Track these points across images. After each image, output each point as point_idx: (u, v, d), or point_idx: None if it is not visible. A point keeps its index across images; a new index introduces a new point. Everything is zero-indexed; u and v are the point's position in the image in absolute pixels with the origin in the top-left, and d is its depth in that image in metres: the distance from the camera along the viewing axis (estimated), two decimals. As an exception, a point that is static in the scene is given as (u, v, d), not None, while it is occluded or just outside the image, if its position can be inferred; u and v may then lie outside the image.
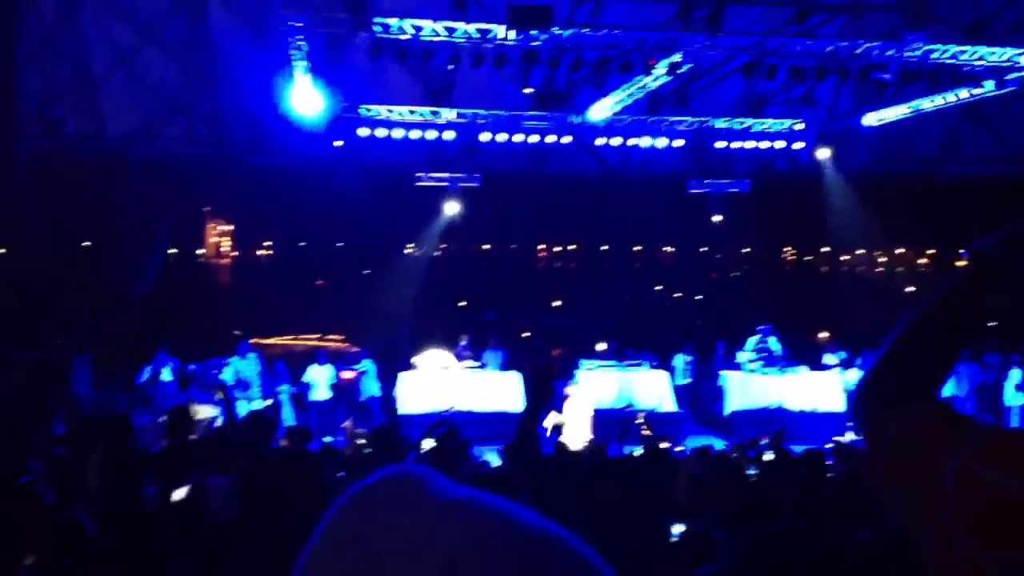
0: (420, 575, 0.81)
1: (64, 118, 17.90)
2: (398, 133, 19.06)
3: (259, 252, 26.25)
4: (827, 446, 12.45)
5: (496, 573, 0.81)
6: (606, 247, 25.45)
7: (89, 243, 21.46)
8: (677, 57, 14.58)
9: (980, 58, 14.44)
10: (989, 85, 15.09)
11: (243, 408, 16.70)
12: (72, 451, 8.93)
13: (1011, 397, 17.56)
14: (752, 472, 9.86)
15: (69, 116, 17.87)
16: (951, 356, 1.48)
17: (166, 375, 17.25)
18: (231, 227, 25.87)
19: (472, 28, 14.72)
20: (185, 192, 20.66)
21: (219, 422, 15.62)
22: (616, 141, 19.75)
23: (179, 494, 5.17)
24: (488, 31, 14.69)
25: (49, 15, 16.53)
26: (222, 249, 25.60)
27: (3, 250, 21.65)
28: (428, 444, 10.14)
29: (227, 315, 22.59)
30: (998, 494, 1.20)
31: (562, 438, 13.32)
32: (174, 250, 23.54)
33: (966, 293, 1.49)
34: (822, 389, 18.33)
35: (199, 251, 25.38)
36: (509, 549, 0.82)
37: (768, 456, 11.76)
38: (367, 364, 18.19)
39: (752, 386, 18.43)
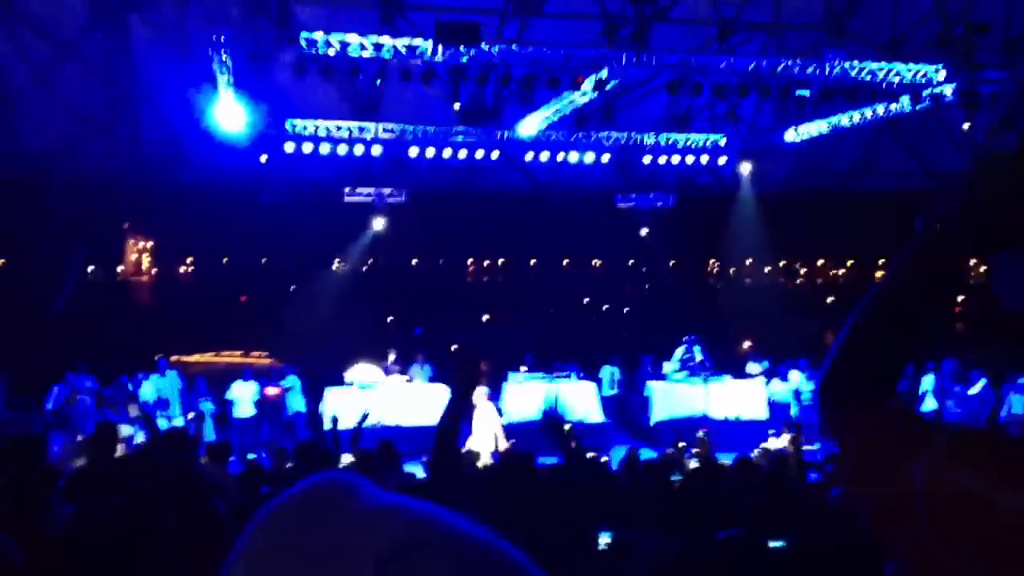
0: None
1: (-23, 135, 17.33)
2: (325, 148, 18.90)
3: (180, 269, 25.76)
4: (753, 453, 12.68)
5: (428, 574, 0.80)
6: (534, 261, 25.61)
7: (3, 261, 20.84)
8: (604, 73, 14.74)
9: (897, 74, 14.89)
10: (905, 101, 15.57)
11: (163, 426, 16.46)
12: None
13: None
14: (677, 479, 10.00)
15: (-18, 133, 17.31)
16: (910, 347, 1.44)
17: (84, 394, 16.83)
18: (151, 243, 25.35)
19: (400, 44, 14.66)
20: (105, 209, 20.19)
21: (139, 439, 15.34)
22: (544, 156, 19.88)
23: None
24: (415, 47, 14.64)
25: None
26: (142, 266, 25.07)
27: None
28: (347, 459, 10.07)
29: (147, 332, 22.13)
30: (969, 496, 1.19)
31: (470, 447, 13.39)
32: (92, 268, 22.98)
33: (920, 269, 1.47)
34: (745, 397, 18.67)
35: (118, 268, 24.81)
36: (440, 551, 0.82)
37: (694, 463, 11.97)
38: (292, 380, 18.00)
39: (677, 395, 18.69)
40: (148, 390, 17.20)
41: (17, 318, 19.94)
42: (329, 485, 0.89)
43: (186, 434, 9.48)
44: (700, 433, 13.78)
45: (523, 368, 19.08)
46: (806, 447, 16.69)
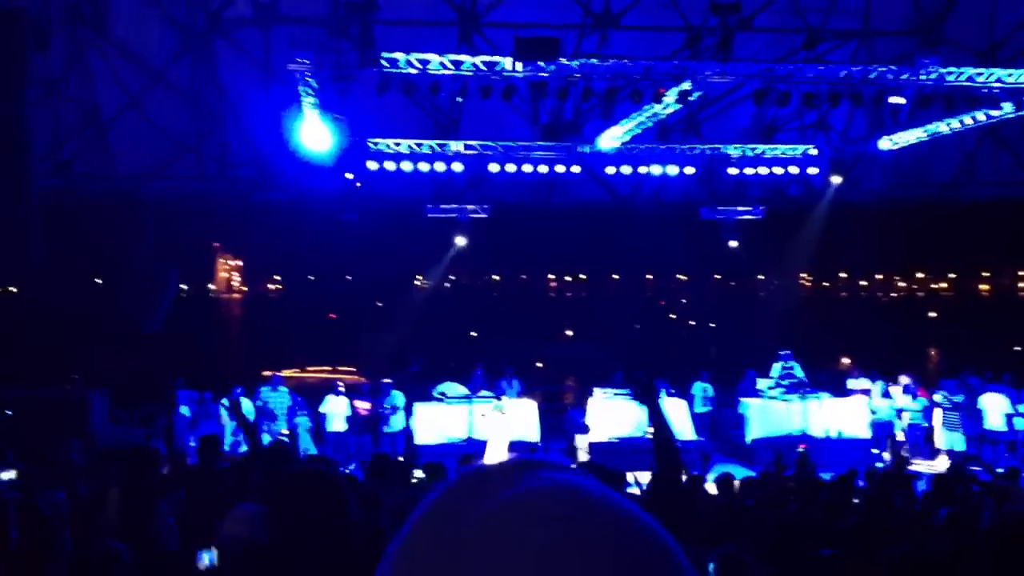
0: (513, 563, 0.77)
1: (74, 158, 17.94)
2: (407, 166, 18.99)
3: (269, 286, 26.22)
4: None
5: (593, 558, 0.78)
6: (617, 276, 25.29)
7: (101, 281, 21.45)
8: (687, 85, 14.45)
9: (997, 80, 14.24)
10: (1008, 107, 14.87)
11: (266, 439, 16.71)
12: (92, 483, 8.90)
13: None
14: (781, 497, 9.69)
15: (79, 156, 17.91)
16: None
17: (183, 409, 17.27)
18: (240, 262, 25.87)
19: (479, 61, 14.65)
20: (195, 229, 20.66)
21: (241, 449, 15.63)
22: (626, 169, 19.62)
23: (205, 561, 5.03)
24: (495, 63, 14.61)
25: (58, 58, 16.59)
26: (232, 284, 25.59)
27: (15, 289, 21.69)
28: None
29: (238, 349, 22.54)
30: None
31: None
32: (184, 286, 23.54)
33: None
34: (845, 415, 18.05)
35: (210, 286, 25.38)
36: (604, 532, 0.80)
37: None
38: (398, 397, 18.00)
39: (774, 413, 18.18)
40: (248, 405, 17.46)
41: (116, 335, 20.53)
42: (468, 478, 0.87)
43: (289, 448, 9.55)
44: (800, 448, 13.28)
45: (604, 390, 18.71)
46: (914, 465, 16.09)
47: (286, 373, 22.17)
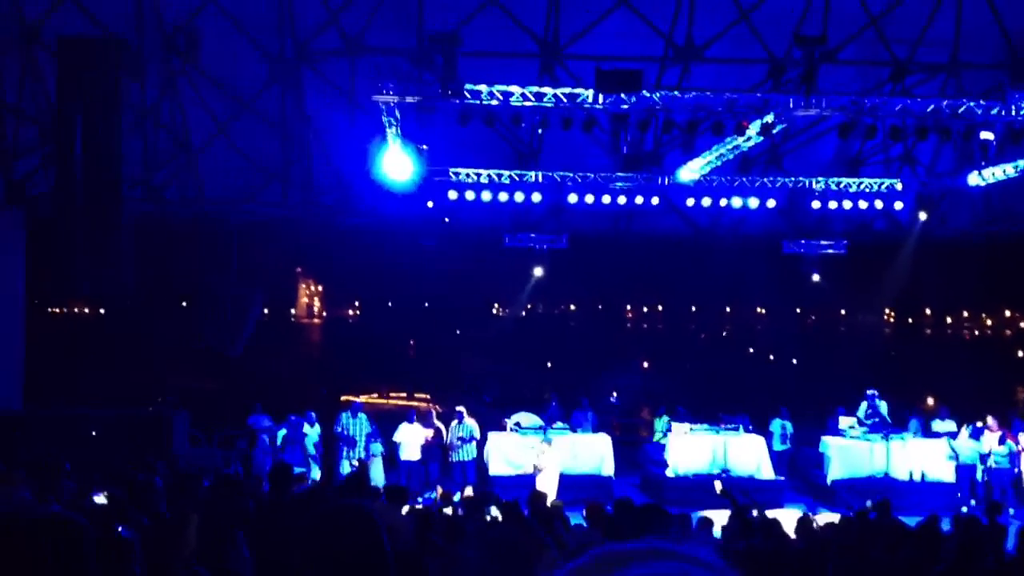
0: None
1: (165, 184, 18.50)
2: (486, 195, 19.13)
3: (348, 312, 26.58)
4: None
5: None
6: (694, 308, 25.07)
7: (187, 303, 22.04)
8: (770, 118, 14.32)
9: (1091, 114, 13.87)
10: (1101, 142, 14.46)
11: (345, 466, 16.89)
12: (172, 507, 9.05)
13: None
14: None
15: (170, 182, 18.47)
16: None
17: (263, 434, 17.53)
18: (320, 288, 26.29)
19: (560, 92, 14.76)
20: (278, 254, 21.11)
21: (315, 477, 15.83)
22: (706, 201, 19.49)
23: None
24: (576, 95, 14.69)
25: (152, 86, 17.18)
26: (314, 309, 26.04)
27: (104, 311, 22.46)
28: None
29: (318, 373, 22.87)
30: None
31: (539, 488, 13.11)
32: (267, 310, 24.04)
33: None
34: (929, 457, 17.54)
35: (292, 311, 25.85)
36: None
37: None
38: (468, 427, 17.97)
39: (855, 453, 17.77)
40: (313, 432, 17.69)
41: (198, 358, 21.03)
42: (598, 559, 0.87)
43: (361, 477, 9.64)
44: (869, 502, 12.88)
45: (682, 424, 18.49)
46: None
47: (362, 398, 22.43)
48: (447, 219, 19.00)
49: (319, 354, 24.85)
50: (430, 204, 19.18)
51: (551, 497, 13.11)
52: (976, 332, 25.35)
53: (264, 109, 17.61)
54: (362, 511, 2.63)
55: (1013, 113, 13.94)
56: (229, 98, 17.43)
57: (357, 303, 25.77)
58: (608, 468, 17.76)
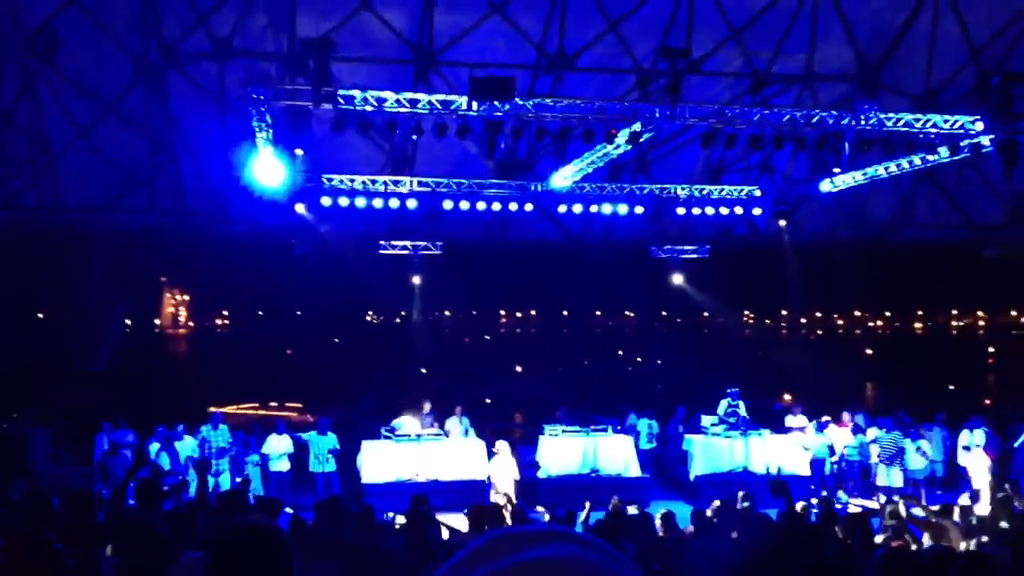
0: None
1: (22, 190, 17.69)
2: (360, 202, 19.06)
3: (216, 321, 25.93)
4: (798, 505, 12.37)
5: None
6: (567, 312, 25.58)
7: (44, 315, 21.12)
8: (637, 126, 14.81)
9: (933, 125, 14.84)
10: (944, 152, 15.48)
11: (211, 482, 16.50)
12: (29, 524, 8.71)
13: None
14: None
15: (27, 188, 17.67)
16: None
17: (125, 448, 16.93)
18: (187, 297, 25.56)
19: (435, 99, 14.86)
20: (143, 263, 20.47)
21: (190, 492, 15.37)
22: (578, 208, 19.94)
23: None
24: (451, 102, 14.82)
25: (7, 89, 16.43)
26: (179, 319, 25.29)
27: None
28: (400, 519, 10.05)
29: (184, 385, 22.26)
30: None
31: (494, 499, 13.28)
32: (129, 321, 23.26)
33: None
34: (785, 452, 18.40)
35: (155, 321, 25.04)
36: None
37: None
38: (329, 439, 17.82)
39: (716, 450, 18.45)
40: (188, 444, 17.27)
41: (58, 371, 20.18)
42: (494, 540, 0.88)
43: (240, 495, 9.47)
44: (740, 494, 13.48)
45: (552, 427, 18.86)
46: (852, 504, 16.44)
47: (231, 410, 21.96)
48: (301, 209, 18.74)
49: (187, 365, 24.15)
50: (301, 209, 18.93)
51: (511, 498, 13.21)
52: (829, 332, 26.69)
53: (128, 112, 17.07)
54: (272, 531, 2.63)
55: (862, 123, 14.79)
56: (91, 101, 16.82)
57: (226, 312, 25.17)
58: (483, 473, 17.94)
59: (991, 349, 24.52)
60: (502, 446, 16.63)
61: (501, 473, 16.28)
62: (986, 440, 17.46)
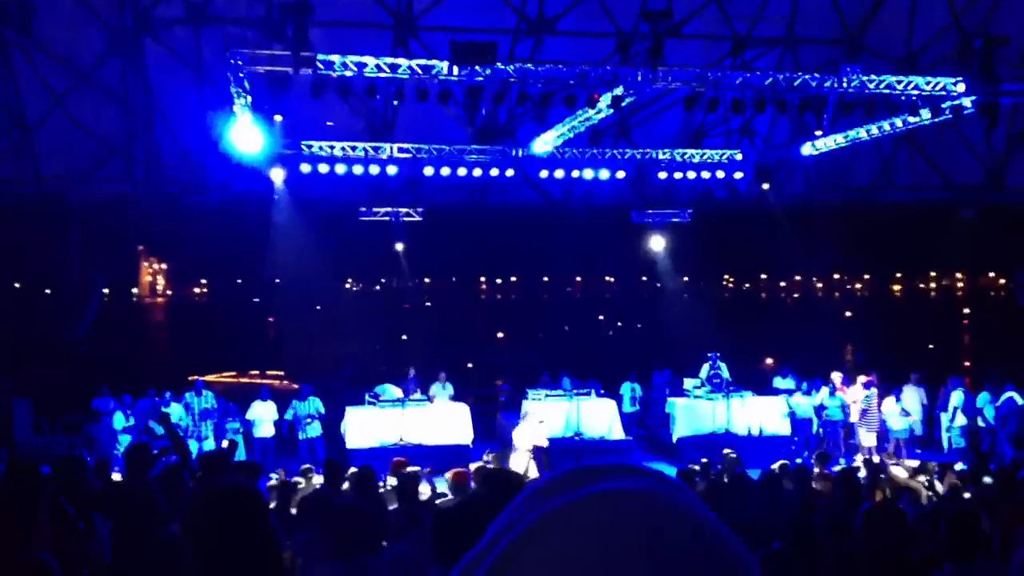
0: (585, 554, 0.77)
1: (-1, 161, 17.45)
2: (340, 169, 18.89)
3: (195, 290, 25.78)
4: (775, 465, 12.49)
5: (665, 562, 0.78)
6: (547, 278, 25.59)
7: (21, 286, 20.89)
8: (619, 90, 14.74)
9: (915, 88, 14.86)
10: (925, 114, 15.51)
11: (195, 446, 16.53)
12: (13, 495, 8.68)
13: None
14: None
15: (4, 159, 17.41)
16: None
17: (118, 419, 16.94)
18: (165, 266, 25.39)
19: (415, 64, 14.72)
20: (122, 232, 20.26)
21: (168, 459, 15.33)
22: (559, 173, 19.86)
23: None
24: (431, 67, 14.69)
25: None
26: (157, 288, 25.12)
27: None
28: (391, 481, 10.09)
29: (164, 354, 22.16)
30: None
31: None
32: (108, 291, 23.09)
33: None
34: (767, 413, 18.57)
35: (133, 291, 24.85)
36: (680, 542, 0.80)
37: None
38: (314, 403, 17.85)
39: (699, 412, 18.60)
40: (175, 410, 17.27)
41: (39, 342, 20.01)
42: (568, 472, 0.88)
43: (223, 455, 9.47)
44: (726, 451, 13.60)
45: (536, 392, 18.91)
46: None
47: (212, 378, 21.92)
48: (280, 176, 18.54)
49: (166, 334, 24.01)
50: (277, 175, 18.70)
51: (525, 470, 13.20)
52: (810, 295, 26.85)
53: (104, 82, 16.82)
54: (249, 490, 2.62)
55: (845, 86, 14.78)
56: (67, 71, 16.54)
57: (204, 281, 25.00)
58: (467, 437, 18.02)
59: (967, 311, 24.76)
60: (532, 410, 16.52)
61: (523, 437, 16.18)
62: (964, 401, 17.68)
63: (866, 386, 18.12)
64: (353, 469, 9.34)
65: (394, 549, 5.66)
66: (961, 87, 14.81)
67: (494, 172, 19.47)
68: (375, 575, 4.34)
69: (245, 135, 16.12)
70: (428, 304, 23.41)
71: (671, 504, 0.82)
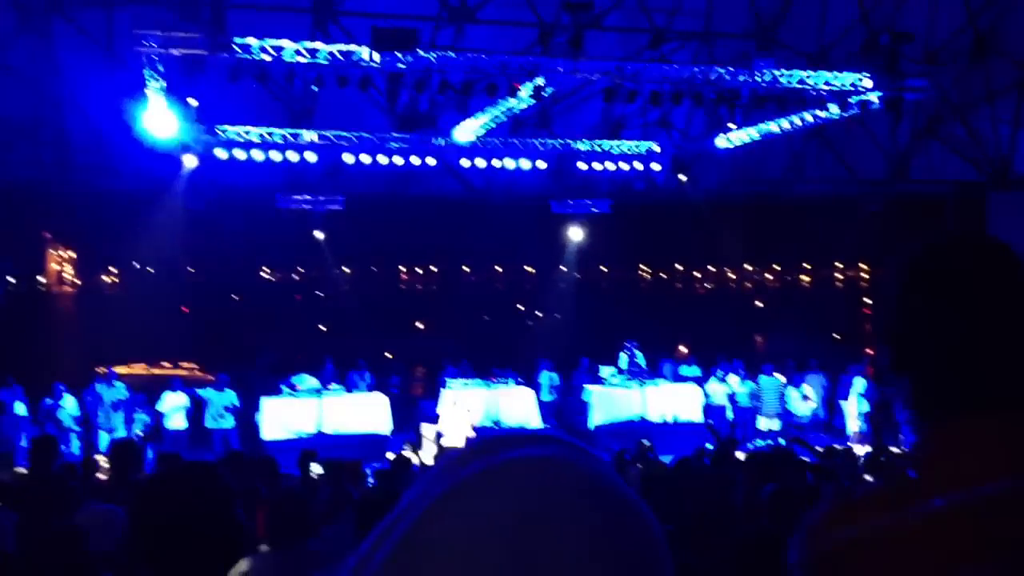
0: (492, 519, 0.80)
1: None
2: (257, 155, 18.57)
3: (104, 279, 25.06)
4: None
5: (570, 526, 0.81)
6: (467, 268, 25.60)
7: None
8: (540, 80, 14.86)
9: (825, 82, 15.31)
10: (834, 109, 15.99)
11: (105, 438, 16.19)
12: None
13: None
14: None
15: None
16: None
17: (20, 409, 16.46)
18: (73, 254, 24.62)
19: (335, 49, 14.60)
20: (27, 218, 19.62)
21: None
22: (481, 163, 19.88)
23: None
24: (352, 53, 14.59)
25: None
26: (64, 277, 24.35)
27: None
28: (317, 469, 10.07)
29: (72, 345, 21.52)
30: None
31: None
32: (12, 279, 22.37)
33: None
34: (681, 401, 18.95)
35: (40, 279, 24.05)
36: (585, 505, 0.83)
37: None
38: (228, 395, 17.57)
39: (615, 400, 18.90)
40: (71, 404, 16.91)
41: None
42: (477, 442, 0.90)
43: (133, 445, 9.28)
44: (644, 441, 13.83)
45: (454, 380, 18.96)
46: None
47: (124, 370, 21.39)
48: (193, 162, 18.17)
49: (74, 324, 23.28)
50: (191, 161, 18.28)
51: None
52: (722, 286, 27.39)
53: (11, 62, 16.24)
54: (211, 470, 2.59)
55: (758, 80, 15.15)
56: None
57: (114, 270, 24.29)
58: (385, 427, 17.99)
59: (867, 300, 25.57)
60: (461, 399, 16.55)
61: (454, 427, 16.22)
62: (866, 387, 18.33)
63: (768, 373, 18.72)
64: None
65: (326, 533, 5.68)
66: (868, 82, 15.31)
67: (416, 161, 19.38)
68: (310, 560, 4.34)
69: (158, 120, 15.80)
70: (347, 293, 23.15)
71: (582, 470, 0.85)
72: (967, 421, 1.39)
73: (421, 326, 25.58)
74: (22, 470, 11.15)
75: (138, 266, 23.52)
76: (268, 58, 14.54)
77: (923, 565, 1.31)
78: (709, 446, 16.10)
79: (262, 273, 23.88)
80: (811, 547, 1.41)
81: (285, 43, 14.40)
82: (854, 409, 18.27)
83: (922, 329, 1.44)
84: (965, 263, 1.45)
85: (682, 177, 21.07)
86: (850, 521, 1.38)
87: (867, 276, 25.59)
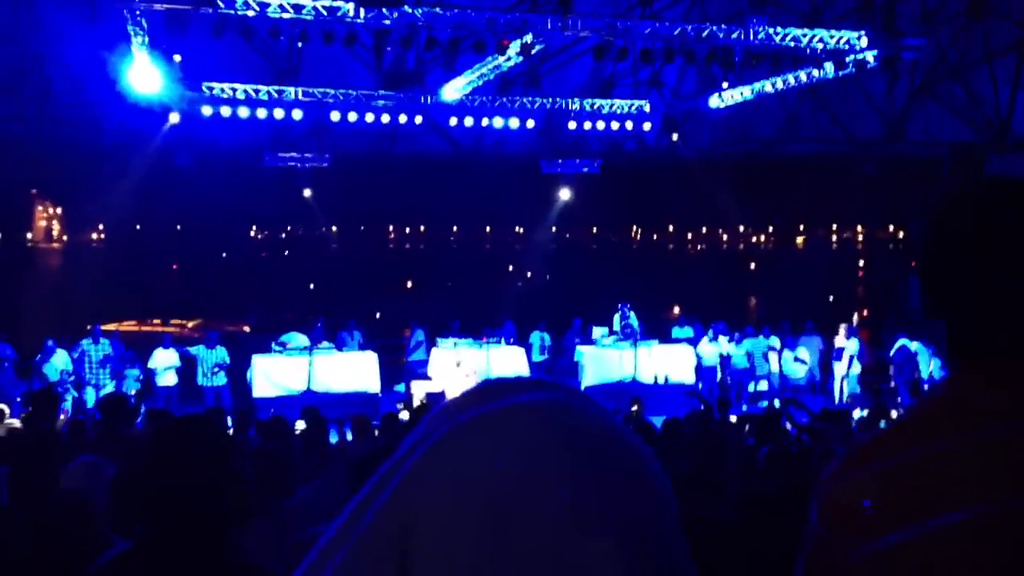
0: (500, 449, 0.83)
1: None
2: (243, 112, 18.36)
3: (92, 236, 24.98)
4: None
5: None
6: (456, 228, 25.50)
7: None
8: (529, 38, 14.60)
9: (820, 41, 15.04)
10: (829, 68, 15.73)
11: (92, 395, 16.15)
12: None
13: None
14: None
15: None
16: None
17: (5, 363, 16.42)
18: (60, 211, 24.51)
19: (321, 5, 14.32)
20: (11, 175, 19.43)
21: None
22: (468, 122, 19.66)
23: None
24: (337, 8, 14.32)
25: None
26: (52, 233, 24.26)
27: None
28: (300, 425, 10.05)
29: (60, 301, 21.49)
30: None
31: None
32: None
33: None
34: (673, 361, 18.91)
35: (27, 235, 23.97)
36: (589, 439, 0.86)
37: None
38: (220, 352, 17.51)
39: (607, 360, 18.84)
40: (61, 360, 16.80)
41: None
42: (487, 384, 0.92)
43: (123, 398, 9.19)
44: (634, 407, 13.80)
45: (445, 339, 18.91)
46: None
47: (113, 327, 21.34)
48: (176, 118, 17.96)
49: (62, 280, 23.22)
50: (176, 117, 18.08)
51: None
52: (715, 246, 27.33)
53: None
54: (208, 421, 2.59)
55: (751, 38, 14.90)
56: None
57: (101, 226, 24.17)
58: (375, 386, 17.97)
59: (861, 263, 25.49)
60: (465, 360, 16.49)
61: (450, 386, 16.20)
62: (859, 349, 18.28)
63: (764, 335, 18.67)
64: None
65: (305, 493, 5.63)
66: (864, 41, 15.05)
67: (402, 119, 19.15)
68: (288, 517, 4.30)
69: (142, 75, 15.56)
70: (336, 252, 23.06)
71: (582, 413, 0.87)
72: (991, 365, 1.40)
73: (410, 285, 25.55)
74: (15, 422, 11.14)
75: (126, 223, 23.39)
76: (252, 13, 14.26)
77: (922, 504, 1.32)
78: (702, 407, 16.13)
79: (251, 231, 23.76)
80: (827, 498, 1.43)
81: (270, -2, 14.12)
82: (844, 371, 18.25)
83: (963, 268, 1.43)
84: (1006, 202, 1.44)
85: (674, 136, 20.85)
86: (860, 466, 1.40)
87: (862, 238, 25.50)
